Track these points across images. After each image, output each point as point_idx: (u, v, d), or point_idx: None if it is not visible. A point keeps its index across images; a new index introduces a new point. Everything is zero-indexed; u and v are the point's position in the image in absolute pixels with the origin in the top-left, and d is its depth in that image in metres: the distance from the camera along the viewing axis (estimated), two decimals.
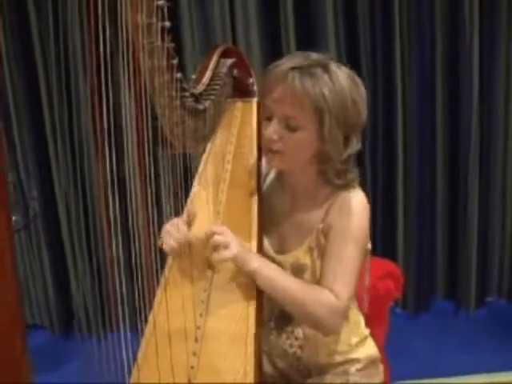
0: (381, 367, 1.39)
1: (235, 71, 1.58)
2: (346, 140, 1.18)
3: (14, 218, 1.78)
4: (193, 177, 1.41)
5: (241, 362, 0.97)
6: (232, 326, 1.05)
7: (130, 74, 0.85)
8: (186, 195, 1.33)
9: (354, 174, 1.22)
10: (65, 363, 2.46)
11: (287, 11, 2.44)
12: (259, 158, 1.39)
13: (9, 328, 0.56)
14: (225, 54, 1.48)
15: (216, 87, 1.33)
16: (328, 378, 1.32)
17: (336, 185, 1.22)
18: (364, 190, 1.25)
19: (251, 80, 1.64)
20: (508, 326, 2.60)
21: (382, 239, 2.67)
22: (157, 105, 1.05)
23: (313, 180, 1.25)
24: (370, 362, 1.36)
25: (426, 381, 2.24)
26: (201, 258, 1.17)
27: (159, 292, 1.12)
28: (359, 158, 1.26)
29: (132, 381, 0.95)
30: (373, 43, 2.50)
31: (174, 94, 1.07)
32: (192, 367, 0.96)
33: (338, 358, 1.32)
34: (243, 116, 1.62)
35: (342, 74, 1.16)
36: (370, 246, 1.26)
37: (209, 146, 1.48)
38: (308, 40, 2.44)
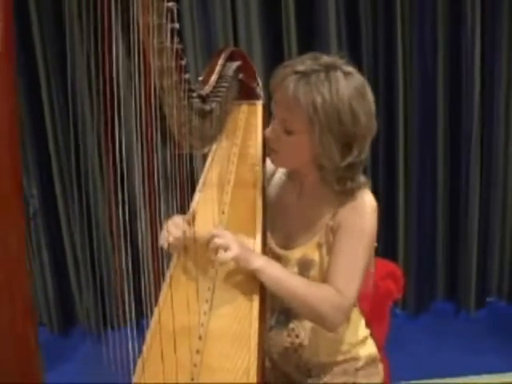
0: (380, 367, 1.39)
1: (241, 74, 1.60)
2: (346, 148, 1.17)
3: None
4: (198, 177, 1.42)
5: (244, 360, 0.97)
6: (235, 324, 1.05)
7: (141, 74, 0.86)
8: (192, 195, 1.34)
9: (357, 182, 1.21)
10: (64, 361, 2.46)
11: (289, 13, 2.44)
12: (264, 160, 1.41)
13: (22, 325, 0.57)
14: (231, 57, 1.50)
15: (222, 89, 1.34)
16: (328, 377, 1.32)
17: (337, 190, 1.22)
18: None
19: (256, 83, 1.66)
20: (508, 326, 2.60)
21: (382, 240, 2.67)
22: (165, 105, 1.06)
23: (318, 180, 1.26)
24: (370, 362, 1.36)
25: (425, 381, 2.25)
26: (205, 257, 1.18)
27: (163, 290, 1.13)
28: None
29: (136, 379, 0.95)
30: (374, 45, 2.51)
31: (182, 94, 1.08)
32: (195, 365, 0.97)
33: (339, 357, 1.33)
34: (248, 118, 1.64)
35: (345, 83, 1.14)
36: (375, 244, 1.26)
37: (214, 147, 1.50)
38: (309, 42, 2.45)
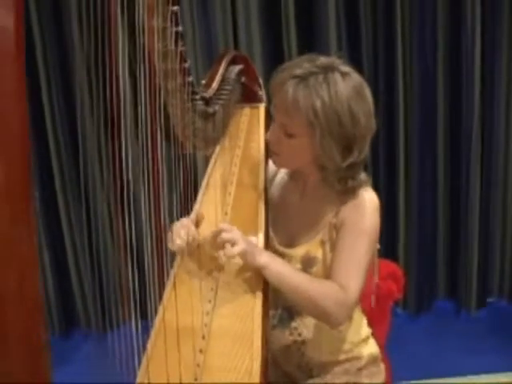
0: (382, 366, 1.40)
1: (243, 78, 1.61)
2: (347, 150, 1.18)
3: None
4: (201, 179, 1.44)
5: (247, 359, 0.97)
6: (238, 323, 1.06)
7: (146, 76, 0.87)
8: (195, 196, 1.35)
9: (358, 180, 1.23)
10: (66, 363, 2.45)
11: (289, 15, 2.45)
12: (266, 161, 1.42)
13: (31, 324, 0.58)
14: (233, 61, 1.52)
15: (225, 92, 1.36)
16: (329, 376, 1.33)
17: (339, 189, 1.23)
18: None
19: (259, 86, 1.68)
20: (509, 326, 2.60)
21: (383, 239, 2.67)
22: (169, 106, 1.08)
23: (320, 179, 1.27)
24: (372, 361, 1.37)
25: (426, 381, 2.25)
26: (208, 257, 1.19)
27: (167, 290, 1.14)
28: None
29: (140, 378, 0.96)
30: (374, 46, 2.51)
31: (185, 96, 1.10)
32: (198, 365, 0.97)
33: (341, 356, 1.34)
34: (251, 121, 1.66)
35: (343, 84, 1.15)
36: (378, 245, 1.28)
37: (217, 148, 1.52)
38: (309, 44, 2.45)
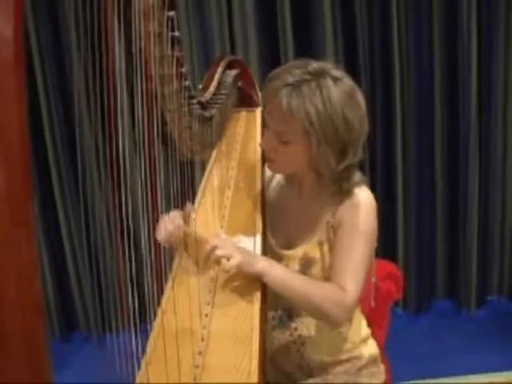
0: (382, 366, 1.40)
1: (240, 82, 1.62)
2: (342, 154, 1.19)
3: None
4: (199, 182, 1.45)
5: (246, 361, 0.98)
6: (237, 326, 1.07)
7: (143, 81, 0.88)
8: (193, 200, 1.37)
9: (352, 181, 1.23)
10: (65, 367, 2.45)
11: (285, 20, 2.46)
12: (263, 164, 1.44)
13: (31, 328, 0.58)
14: (230, 66, 1.53)
15: (222, 96, 1.37)
16: (330, 376, 1.33)
17: (334, 190, 1.24)
18: None
19: (255, 91, 1.69)
20: (509, 325, 2.61)
21: (382, 239, 2.67)
22: (166, 111, 1.09)
23: (315, 181, 1.28)
24: (372, 361, 1.37)
25: (427, 381, 2.25)
26: (206, 259, 1.20)
27: (166, 292, 1.15)
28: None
29: (139, 379, 0.96)
30: (371, 49, 2.52)
31: (182, 101, 1.11)
32: (197, 366, 0.98)
33: (341, 356, 1.34)
34: (247, 125, 1.67)
35: (336, 90, 1.15)
36: (375, 244, 1.28)
37: (214, 152, 1.53)
38: (306, 48, 2.46)
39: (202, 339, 1.04)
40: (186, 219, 1.29)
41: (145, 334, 1.03)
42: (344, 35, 2.50)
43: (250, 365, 0.97)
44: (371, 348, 1.39)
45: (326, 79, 1.16)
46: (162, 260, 1.07)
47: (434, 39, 2.50)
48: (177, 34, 0.98)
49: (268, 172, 1.43)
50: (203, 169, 1.53)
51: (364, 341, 1.38)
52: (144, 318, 0.99)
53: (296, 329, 1.32)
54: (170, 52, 1.01)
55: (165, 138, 1.11)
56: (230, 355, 1.00)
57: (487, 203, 2.69)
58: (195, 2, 2.44)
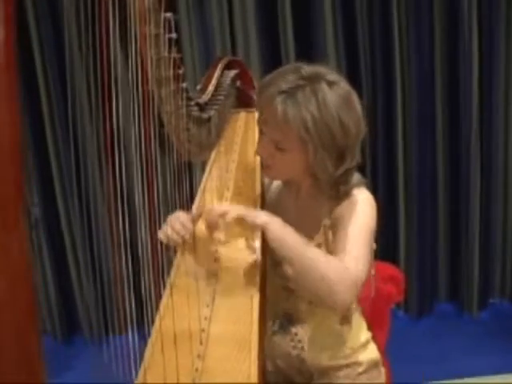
0: (383, 370, 1.39)
1: (238, 82, 1.62)
2: (340, 158, 1.17)
3: None
4: (198, 184, 1.44)
5: (245, 364, 0.98)
6: (236, 329, 1.06)
7: (139, 83, 0.88)
8: (192, 202, 1.36)
9: (349, 184, 1.22)
10: (67, 370, 2.46)
11: (286, 21, 2.46)
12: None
13: (24, 330, 0.58)
14: (228, 66, 1.52)
15: (220, 97, 1.37)
16: (330, 380, 1.33)
17: (331, 194, 1.23)
18: None
19: (254, 91, 1.68)
20: (511, 327, 2.60)
21: (383, 241, 2.68)
22: (163, 113, 1.08)
23: (312, 185, 1.27)
24: (373, 365, 1.37)
25: None
26: (206, 262, 1.20)
27: (165, 295, 1.14)
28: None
29: (139, 380, 0.96)
30: (372, 51, 2.52)
31: (180, 102, 1.10)
32: (196, 369, 0.98)
33: (341, 361, 1.33)
34: (246, 125, 1.67)
35: (331, 94, 1.13)
36: (374, 245, 1.27)
37: (213, 154, 1.52)
38: (307, 49, 2.46)
39: (201, 342, 1.03)
40: (195, 222, 1.27)
41: (146, 336, 1.03)
42: (345, 37, 2.50)
43: (250, 368, 0.97)
44: (371, 353, 1.38)
45: (321, 84, 1.14)
46: (162, 260, 1.06)
47: (434, 40, 2.50)
48: (174, 35, 0.98)
49: None
50: (202, 170, 1.53)
51: (364, 345, 1.37)
52: (144, 320, 0.99)
53: (296, 334, 1.32)
54: (167, 54, 1.00)
55: (162, 140, 1.11)
56: (229, 358, 1.00)
57: (489, 205, 2.69)
58: (196, 3, 2.45)
